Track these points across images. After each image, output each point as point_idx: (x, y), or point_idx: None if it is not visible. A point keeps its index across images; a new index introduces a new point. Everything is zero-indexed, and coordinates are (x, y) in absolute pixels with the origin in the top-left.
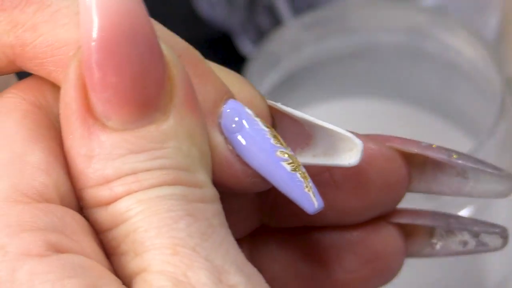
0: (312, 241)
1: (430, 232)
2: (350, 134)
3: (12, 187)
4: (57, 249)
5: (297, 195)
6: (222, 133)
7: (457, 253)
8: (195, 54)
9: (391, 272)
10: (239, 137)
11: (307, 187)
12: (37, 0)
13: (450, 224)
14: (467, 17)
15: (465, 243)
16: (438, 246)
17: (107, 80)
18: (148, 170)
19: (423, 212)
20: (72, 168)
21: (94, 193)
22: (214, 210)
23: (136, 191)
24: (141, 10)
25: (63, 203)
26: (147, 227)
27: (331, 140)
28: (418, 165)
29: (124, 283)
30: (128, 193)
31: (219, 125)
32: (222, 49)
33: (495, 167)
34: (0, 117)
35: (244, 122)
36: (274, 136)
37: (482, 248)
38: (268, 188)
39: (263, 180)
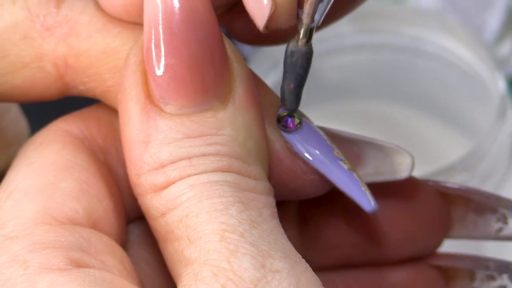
0: (352, 282)
1: (471, 276)
2: (400, 148)
3: (42, 210)
4: (80, 265)
5: (355, 192)
6: (280, 131)
7: None
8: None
9: None
10: (298, 136)
11: (363, 186)
12: (91, 12)
13: (489, 266)
14: (467, 18)
15: (503, 287)
16: None
17: (166, 62)
18: (203, 155)
19: (463, 256)
20: (128, 154)
21: (150, 178)
22: (266, 201)
23: (189, 176)
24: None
25: (95, 229)
26: (198, 212)
27: (380, 156)
28: (459, 210)
29: (176, 269)
30: (181, 178)
31: (277, 124)
32: None
33: None
34: (41, 148)
35: (304, 120)
36: (330, 140)
37: None
38: (326, 191)
39: (321, 178)
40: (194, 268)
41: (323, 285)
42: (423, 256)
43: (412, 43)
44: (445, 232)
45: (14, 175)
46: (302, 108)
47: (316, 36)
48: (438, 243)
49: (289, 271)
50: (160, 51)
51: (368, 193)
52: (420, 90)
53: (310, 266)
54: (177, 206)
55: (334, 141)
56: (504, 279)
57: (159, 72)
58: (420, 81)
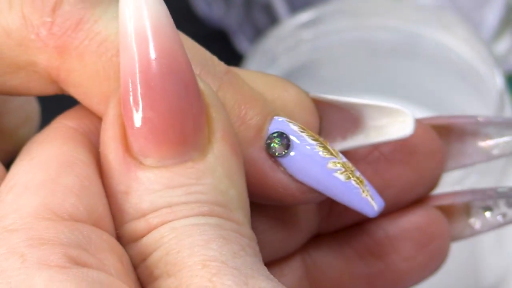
0: (366, 237)
1: (467, 212)
2: (399, 106)
3: (42, 205)
4: (78, 263)
5: (355, 202)
6: (270, 156)
7: (499, 225)
8: (236, 77)
9: (443, 256)
10: (289, 159)
11: (364, 192)
12: (86, 27)
13: (488, 195)
14: (465, 14)
15: (504, 215)
16: (477, 225)
17: (144, 116)
18: (184, 203)
19: (460, 192)
20: (111, 205)
21: (131, 226)
22: (249, 243)
23: (170, 221)
24: (180, 48)
25: (96, 226)
26: (179, 249)
27: (380, 117)
28: (444, 140)
29: None
30: (163, 223)
31: (266, 149)
32: (219, 47)
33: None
34: (44, 144)
35: (292, 141)
36: (324, 148)
37: None
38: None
39: (319, 193)
40: None
41: (337, 249)
42: (424, 198)
43: (411, 39)
44: (444, 161)
45: (16, 170)
46: None
47: (313, 32)
48: (440, 173)
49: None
50: (138, 104)
51: (369, 198)
52: (418, 86)
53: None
54: (158, 248)
55: (331, 109)
56: (501, 207)
57: (137, 125)
58: (418, 76)
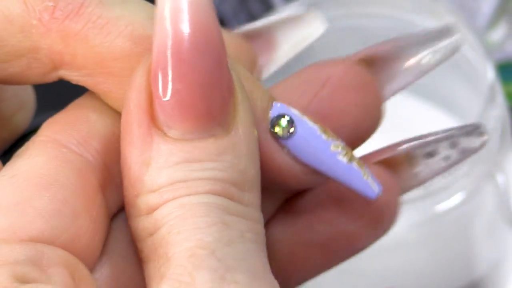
0: (313, 205)
1: (410, 162)
2: (308, 11)
3: (8, 227)
4: (25, 280)
5: (357, 184)
6: (275, 138)
7: (443, 170)
8: (235, 63)
9: (393, 210)
10: (293, 141)
11: (365, 174)
12: (88, 11)
13: (427, 140)
14: (460, 2)
15: (447, 158)
16: (423, 173)
17: (173, 87)
18: (199, 179)
19: (396, 143)
20: (128, 174)
21: (146, 199)
22: (251, 227)
23: (181, 196)
24: (215, 24)
25: (64, 248)
26: (180, 229)
27: (292, 30)
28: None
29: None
30: (174, 198)
31: (270, 130)
32: None
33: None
34: (28, 160)
35: (295, 123)
36: (325, 131)
37: (464, 154)
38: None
39: (321, 176)
40: (161, 284)
41: (283, 222)
42: (362, 157)
43: (402, 27)
44: (378, 94)
45: None
46: None
47: None
48: (379, 110)
49: (246, 282)
50: (167, 76)
51: (370, 180)
52: None
53: None
54: (164, 224)
55: (252, 39)
56: (444, 150)
57: (165, 96)
58: None
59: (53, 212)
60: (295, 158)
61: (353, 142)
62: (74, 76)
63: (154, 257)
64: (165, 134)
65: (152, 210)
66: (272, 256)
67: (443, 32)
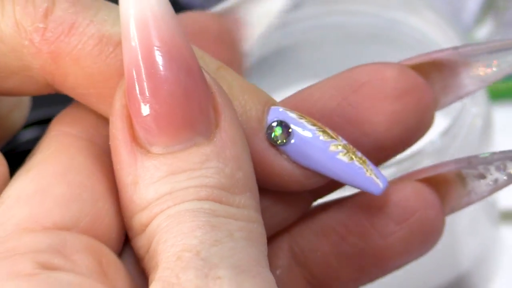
0: (345, 217)
1: (462, 182)
2: None
3: (28, 216)
4: (48, 267)
5: (360, 182)
6: (273, 145)
7: (491, 191)
8: (228, 72)
9: (431, 230)
10: (291, 147)
11: (368, 171)
12: (79, 32)
13: (472, 162)
14: (445, 1)
15: (495, 181)
16: (473, 194)
17: (147, 104)
18: (185, 188)
19: (443, 163)
20: (121, 196)
21: (138, 218)
22: (243, 226)
23: (168, 207)
24: (180, 36)
25: (86, 228)
26: (166, 238)
27: (254, 4)
28: (427, 78)
29: None
30: (162, 211)
31: (267, 137)
32: None
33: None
34: (40, 156)
35: (292, 128)
36: (323, 132)
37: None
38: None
39: (324, 177)
40: (151, 287)
41: (319, 232)
42: (404, 175)
43: (387, 25)
44: (429, 102)
45: (13, 183)
46: (280, 88)
47: (291, 16)
48: (429, 117)
49: (231, 277)
50: (142, 93)
51: (374, 176)
52: None
53: None
54: (154, 237)
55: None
56: (493, 173)
57: (142, 114)
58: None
59: (72, 197)
60: (294, 163)
61: (381, 151)
62: (68, 93)
63: (151, 270)
64: (148, 151)
65: (145, 227)
66: (304, 264)
67: (509, 44)
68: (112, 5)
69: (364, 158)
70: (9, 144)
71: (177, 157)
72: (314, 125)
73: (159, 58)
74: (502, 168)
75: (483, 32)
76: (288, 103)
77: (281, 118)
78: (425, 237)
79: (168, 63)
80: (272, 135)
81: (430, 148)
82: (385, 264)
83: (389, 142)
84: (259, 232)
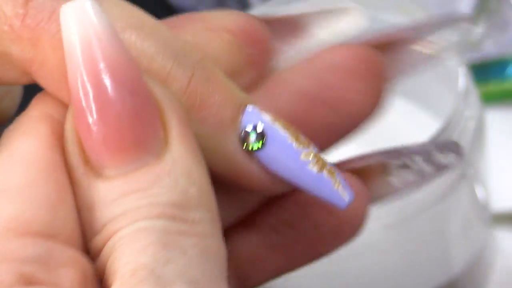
0: (280, 209)
1: (384, 171)
2: (342, 3)
3: (16, 217)
4: (31, 281)
5: (326, 194)
6: (244, 148)
7: (417, 183)
8: (208, 66)
9: (359, 218)
10: (263, 153)
11: (335, 183)
12: (59, 19)
13: (402, 153)
14: (439, 2)
15: (421, 171)
16: (395, 182)
17: (94, 127)
18: (136, 208)
19: (371, 153)
20: (81, 221)
21: (94, 241)
22: (197, 242)
23: (120, 228)
24: (123, 55)
25: (70, 237)
26: (119, 257)
27: (328, 19)
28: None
29: None
30: (114, 233)
31: (239, 140)
32: None
33: None
34: (25, 139)
35: (265, 134)
36: (296, 138)
37: (439, 170)
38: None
39: (291, 184)
40: None
41: (250, 228)
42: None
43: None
44: (383, 77)
45: None
46: None
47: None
48: (380, 92)
49: None
50: (89, 115)
51: (340, 189)
52: None
53: None
54: (108, 258)
55: (279, 25)
56: (418, 163)
57: (90, 137)
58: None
59: (59, 201)
60: (263, 168)
61: (350, 126)
62: (41, 83)
63: None
64: (100, 174)
65: (101, 250)
66: (231, 256)
67: (457, 20)
68: None
69: (333, 169)
70: (0, 132)
71: (129, 178)
72: (287, 129)
73: (104, 80)
74: (428, 160)
75: (475, 34)
76: (265, 88)
77: (254, 120)
78: (353, 224)
79: (113, 84)
80: (245, 140)
81: None
82: (315, 251)
83: (362, 117)
84: (216, 246)
